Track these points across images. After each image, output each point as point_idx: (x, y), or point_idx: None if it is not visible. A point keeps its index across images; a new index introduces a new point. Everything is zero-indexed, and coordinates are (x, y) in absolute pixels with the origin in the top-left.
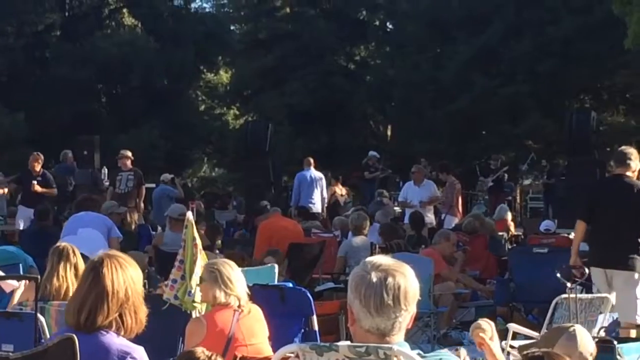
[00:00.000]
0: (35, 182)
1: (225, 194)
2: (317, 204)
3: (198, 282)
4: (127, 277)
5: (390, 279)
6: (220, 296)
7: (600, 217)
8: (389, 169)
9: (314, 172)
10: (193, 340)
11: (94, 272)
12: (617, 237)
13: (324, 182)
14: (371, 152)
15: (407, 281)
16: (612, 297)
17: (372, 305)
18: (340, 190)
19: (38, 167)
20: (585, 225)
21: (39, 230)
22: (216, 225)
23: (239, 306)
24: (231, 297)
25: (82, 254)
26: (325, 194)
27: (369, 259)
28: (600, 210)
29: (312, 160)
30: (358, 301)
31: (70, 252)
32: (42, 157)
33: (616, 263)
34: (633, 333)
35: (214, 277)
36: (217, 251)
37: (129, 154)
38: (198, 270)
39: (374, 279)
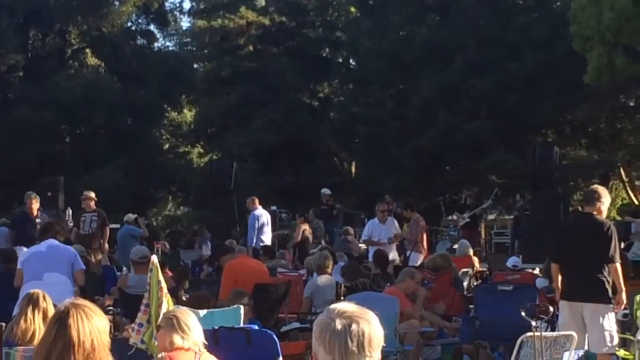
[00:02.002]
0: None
1: (190, 232)
2: (268, 241)
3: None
4: (93, 327)
5: (354, 326)
6: (178, 342)
7: (569, 254)
8: (354, 205)
9: (262, 211)
10: None
11: (60, 323)
12: (585, 271)
13: (269, 218)
14: (323, 190)
15: (372, 328)
16: (581, 331)
17: (336, 353)
18: (308, 228)
19: (36, 209)
20: (558, 266)
21: (4, 273)
22: (184, 268)
23: (198, 351)
24: (189, 342)
25: None
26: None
27: (333, 305)
28: (570, 248)
29: (256, 199)
30: (322, 348)
31: (41, 297)
32: (38, 198)
33: (584, 296)
34: None
35: (171, 323)
36: (183, 291)
37: (92, 195)
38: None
39: (339, 326)
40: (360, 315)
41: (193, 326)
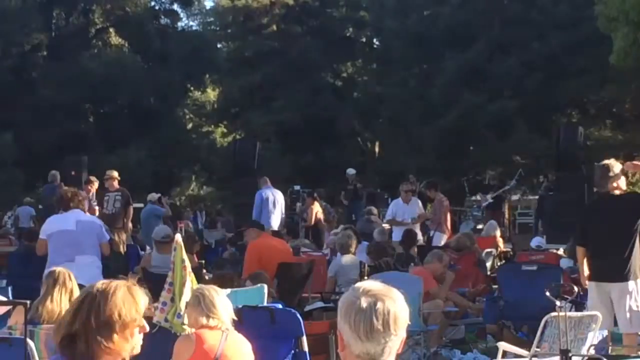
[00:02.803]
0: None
1: (214, 212)
2: (274, 223)
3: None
4: (135, 303)
5: (379, 304)
6: (202, 320)
7: (594, 235)
8: (377, 185)
9: (273, 191)
10: (181, 357)
11: (101, 298)
12: (611, 251)
13: (282, 199)
14: (348, 170)
15: (397, 306)
16: (609, 312)
17: (361, 331)
18: (320, 208)
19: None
20: (584, 250)
21: (26, 252)
22: (191, 234)
23: (225, 329)
24: (214, 320)
25: (80, 285)
26: (283, 212)
27: (358, 284)
28: (593, 230)
29: (267, 179)
30: (348, 326)
31: (67, 277)
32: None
33: (612, 276)
34: (633, 341)
35: (197, 301)
36: (205, 270)
37: (116, 174)
38: (187, 293)
39: (364, 305)
40: (385, 293)
41: (220, 304)
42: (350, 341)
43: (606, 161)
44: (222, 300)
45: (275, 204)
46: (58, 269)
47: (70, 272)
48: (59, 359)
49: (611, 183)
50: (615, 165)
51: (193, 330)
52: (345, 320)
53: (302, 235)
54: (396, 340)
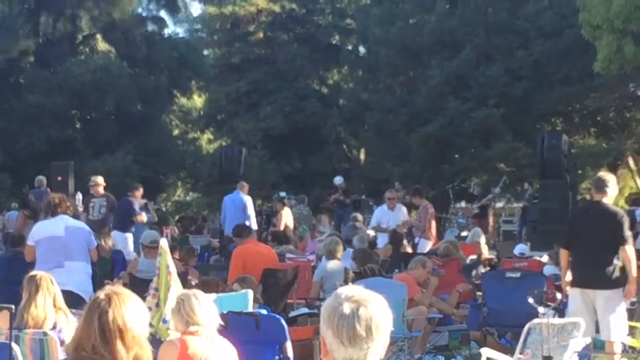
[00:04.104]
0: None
1: (200, 218)
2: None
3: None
4: (137, 313)
5: (362, 310)
6: (182, 326)
7: (581, 241)
8: (362, 192)
9: (240, 195)
10: None
11: (101, 310)
12: (597, 259)
13: (250, 204)
14: (336, 178)
15: (380, 312)
16: (592, 319)
17: (344, 336)
18: (290, 214)
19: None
20: (568, 253)
21: (12, 257)
22: (190, 248)
23: (206, 335)
24: (194, 326)
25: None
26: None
27: (340, 289)
28: (581, 235)
29: (245, 184)
30: (331, 332)
31: (49, 282)
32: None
33: (598, 283)
34: (618, 348)
35: (177, 307)
36: (192, 269)
37: (101, 180)
38: (172, 298)
39: (347, 310)
40: (368, 299)
41: (201, 310)
42: (333, 346)
43: (604, 173)
44: (204, 306)
45: (238, 209)
46: (39, 273)
47: (51, 276)
48: None
49: (605, 193)
50: (613, 180)
51: (179, 335)
52: (328, 326)
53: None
54: (379, 345)
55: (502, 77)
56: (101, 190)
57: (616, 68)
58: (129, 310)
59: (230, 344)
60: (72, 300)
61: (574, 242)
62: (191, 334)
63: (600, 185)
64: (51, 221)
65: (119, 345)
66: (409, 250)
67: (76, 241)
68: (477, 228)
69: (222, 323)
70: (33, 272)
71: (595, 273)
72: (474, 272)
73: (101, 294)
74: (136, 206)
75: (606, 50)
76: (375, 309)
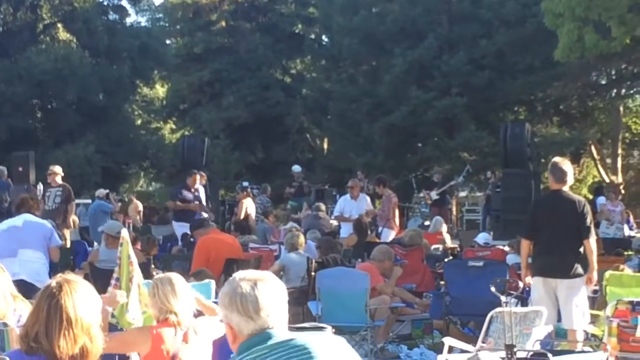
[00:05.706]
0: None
1: (163, 209)
2: None
3: (134, 300)
4: (88, 302)
5: (260, 284)
6: (156, 312)
7: (543, 230)
8: (326, 182)
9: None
10: (139, 349)
11: (52, 298)
12: (559, 248)
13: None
14: (294, 167)
15: (275, 286)
16: (554, 307)
17: (251, 310)
18: (252, 203)
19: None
20: (529, 243)
21: None
22: (152, 238)
23: (178, 322)
24: (166, 312)
25: (21, 280)
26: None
27: (234, 275)
28: (542, 225)
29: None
30: (236, 313)
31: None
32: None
33: (559, 272)
34: (580, 336)
35: (152, 291)
36: (153, 266)
37: (58, 169)
38: (135, 288)
39: (247, 288)
40: (260, 276)
41: (177, 297)
42: (240, 326)
43: (559, 159)
44: (179, 292)
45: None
46: None
47: (1, 265)
48: (17, 355)
49: (565, 182)
50: (569, 167)
51: (142, 324)
52: (232, 309)
53: (233, 229)
54: (284, 313)
55: (465, 66)
56: (59, 180)
57: (577, 57)
58: (80, 299)
59: (207, 340)
60: (26, 290)
61: (536, 232)
62: (166, 323)
63: (561, 176)
64: (13, 218)
65: (62, 335)
66: (373, 239)
67: (33, 233)
68: (439, 217)
69: (198, 308)
70: None
71: (557, 262)
72: (437, 264)
73: (53, 282)
74: None
75: (567, 38)
76: (270, 283)
